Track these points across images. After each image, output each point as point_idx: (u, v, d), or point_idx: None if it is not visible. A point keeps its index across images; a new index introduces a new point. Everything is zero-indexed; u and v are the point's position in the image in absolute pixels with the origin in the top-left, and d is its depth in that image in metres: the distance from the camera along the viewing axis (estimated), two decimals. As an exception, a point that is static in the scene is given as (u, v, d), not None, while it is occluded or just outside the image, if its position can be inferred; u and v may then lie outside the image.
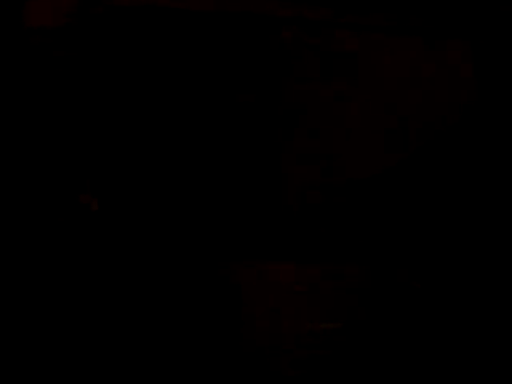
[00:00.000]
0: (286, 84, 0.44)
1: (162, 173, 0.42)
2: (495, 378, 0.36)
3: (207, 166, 0.43)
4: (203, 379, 0.37)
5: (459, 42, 0.44)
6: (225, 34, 0.41)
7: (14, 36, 0.38)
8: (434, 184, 0.43)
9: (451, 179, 0.43)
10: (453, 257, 0.39)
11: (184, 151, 0.42)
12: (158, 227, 0.40)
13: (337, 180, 0.42)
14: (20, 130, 0.37)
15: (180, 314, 0.37)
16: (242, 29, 0.42)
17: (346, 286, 0.40)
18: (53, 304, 0.36)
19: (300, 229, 0.40)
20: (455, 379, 0.37)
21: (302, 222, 0.40)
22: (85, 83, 0.39)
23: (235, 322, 0.38)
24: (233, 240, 0.40)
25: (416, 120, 0.44)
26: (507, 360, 0.36)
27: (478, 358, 0.37)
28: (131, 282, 0.38)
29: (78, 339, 0.36)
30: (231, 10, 0.42)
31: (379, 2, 0.44)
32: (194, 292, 0.38)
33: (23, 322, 0.36)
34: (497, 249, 0.38)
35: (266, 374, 0.37)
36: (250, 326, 0.38)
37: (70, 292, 0.36)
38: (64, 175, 0.37)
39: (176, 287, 0.38)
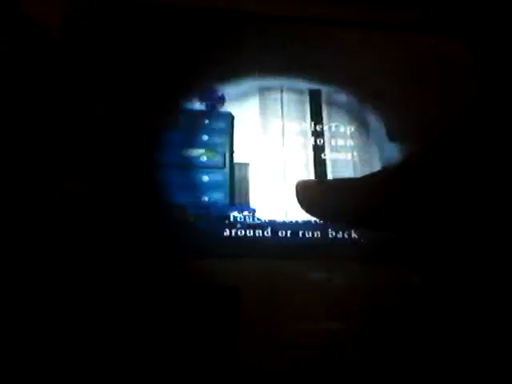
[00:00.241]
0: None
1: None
2: (495, 378, 0.36)
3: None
4: (202, 379, 0.36)
5: (459, 40, 0.45)
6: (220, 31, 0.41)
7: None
8: (433, 183, 0.43)
9: (451, 178, 0.43)
10: (453, 256, 0.39)
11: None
12: (151, 218, 0.39)
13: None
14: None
15: (178, 314, 0.37)
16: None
17: (347, 285, 0.40)
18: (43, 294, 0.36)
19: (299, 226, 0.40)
20: (455, 379, 0.36)
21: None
22: (80, 78, 0.39)
23: (234, 321, 0.37)
24: (233, 240, 0.40)
25: (415, 119, 0.44)
26: (507, 360, 0.36)
27: (478, 358, 0.37)
28: (126, 276, 0.37)
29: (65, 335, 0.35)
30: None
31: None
32: (192, 291, 0.37)
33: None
34: (497, 249, 0.38)
35: (265, 374, 0.37)
36: (249, 326, 0.38)
37: (61, 286, 0.36)
38: (50, 161, 0.37)
39: (173, 285, 0.37)
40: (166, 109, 0.41)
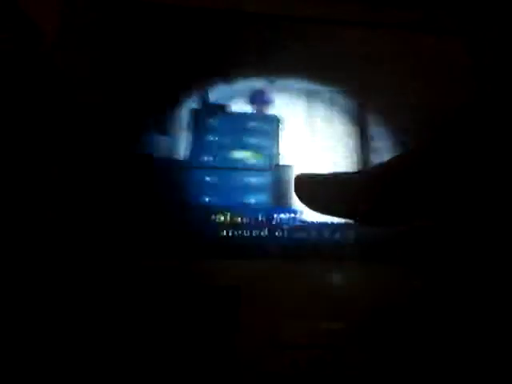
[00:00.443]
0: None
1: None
2: (495, 378, 0.36)
3: None
4: (202, 379, 0.36)
5: (459, 40, 0.44)
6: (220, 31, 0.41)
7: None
8: (432, 181, 0.42)
9: (450, 176, 0.42)
10: (452, 256, 0.39)
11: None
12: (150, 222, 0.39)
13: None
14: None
15: (178, 314, 0.37)
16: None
17: (347, 286, 0.39)
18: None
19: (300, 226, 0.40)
20: (455, 379, 0.36)
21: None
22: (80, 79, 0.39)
23: (234, 322, 0.37)
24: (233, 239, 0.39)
25: (414, 118, 0.43)
26: (507, 360, 0.36)
27: (478, 358, 0.37)
28: (127, 276, 0.37)
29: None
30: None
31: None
32: (192, 291, 0.37)
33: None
34: (497, 248, 0.38)
35: (265, 375, 0.37)
36: (249, 326, 0.37)
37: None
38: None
39: (173, 286, 0.37)
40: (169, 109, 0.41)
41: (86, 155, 0.38)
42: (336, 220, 0.40)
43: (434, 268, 0.39)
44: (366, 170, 0.26)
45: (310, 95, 0.43)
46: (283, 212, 0.41)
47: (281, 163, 0.42)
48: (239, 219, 0.40)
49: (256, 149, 0.42)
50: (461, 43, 0.44)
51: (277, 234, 0.40)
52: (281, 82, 0.43)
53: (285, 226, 0.40)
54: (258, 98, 0.43)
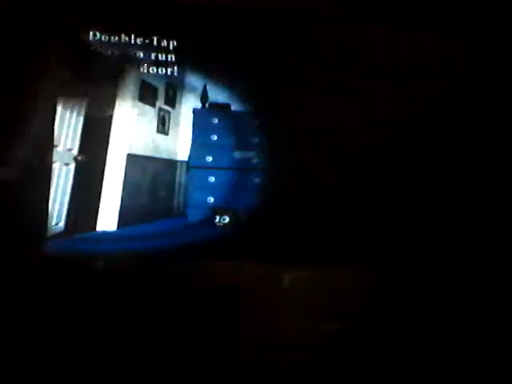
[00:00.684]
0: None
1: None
2: (495, 378, 0.36)
3: None
4: (202, 380, 0.36)
5: (459, 39, 0.44)
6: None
7: None
8: (431, 180, 0.43)
9: (449, 174, 0.43)
10: (452, 256, 0.39)
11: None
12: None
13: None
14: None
15: (177, 315, 0.37)
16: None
17: (346, 286, 0.40)
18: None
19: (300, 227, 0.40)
20: (455, 379, 0.37)
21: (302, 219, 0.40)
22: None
23: (234, 322, 0.37)
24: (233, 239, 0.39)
25: (413, 116, 0.43)
26: (507, 360, 0.36)
27: (478, 358, 0.37)
28: (128, 276, 0.37)
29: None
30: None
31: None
32: (192, 292, 0.37)
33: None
34: (497, 248, 0.38)
35: (265, 375, 0.37)
36: (249, 326, 0.37)
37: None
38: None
39: (173, 286, 0.37)
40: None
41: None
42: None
43: (434, 268, 0.39)
44: None
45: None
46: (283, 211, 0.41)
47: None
48: (240, 219, 0.40)
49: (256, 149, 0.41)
50: (461, 43, 0.44)
51: (277, 234, 0.40)
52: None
53: (285, 226, 0.40)
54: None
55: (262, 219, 0.40)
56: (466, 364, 0.37)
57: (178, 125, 0.41)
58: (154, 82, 0.41)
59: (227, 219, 0.40)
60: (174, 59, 0.41)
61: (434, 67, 0.44)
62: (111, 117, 0.40)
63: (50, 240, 0.37)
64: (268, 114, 0.42)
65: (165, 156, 0.41)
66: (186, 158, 0.41)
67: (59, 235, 0.38)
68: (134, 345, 0.35)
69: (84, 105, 0.40)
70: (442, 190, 0.41)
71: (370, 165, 0.42)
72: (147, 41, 0.40)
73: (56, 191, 0.38)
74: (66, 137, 0.40)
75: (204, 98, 0.42)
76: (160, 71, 0.41)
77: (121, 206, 0.39)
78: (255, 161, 0.41)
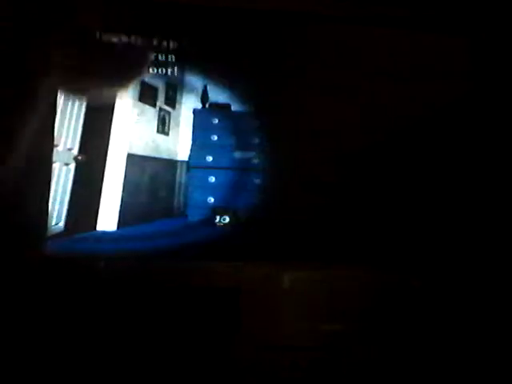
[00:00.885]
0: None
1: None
2: (495, 378, 0.36)
3: None
4: (202, 380, 0.36)
5: (459, 39, 0.44)
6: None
7: None
8: (432, 180, 0.43)
9: (449, 174, 0.43)
10: (452, 256, 0.39)
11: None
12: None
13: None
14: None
15: (177, 315, 0.37)
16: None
17: (346, 286, 0.40)
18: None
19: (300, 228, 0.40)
20: (455, 379, 0.37)
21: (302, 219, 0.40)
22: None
23: (234, 322, 0.37)
24: (233, 239, 0.39)
25: (413, 116, 0.43)
26: (507, 360, 0.36)
27: (478, 358, 0.37)
28: (129, 275, 0.37)
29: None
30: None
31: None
32: (192, 292, 0.37)
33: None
34: (497, 248, 0.38)
35: (265, 376, 0.37)
36: (249, 327, 0.37)
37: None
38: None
39: (173, 287, 0.37)
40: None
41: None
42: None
43: (434, 268, 0.39)
44: None
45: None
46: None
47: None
48: (240, 219, 0.40)
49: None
50: (461, 43, 0.44)
51: (277, 234, 0.40)
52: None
53: (285, 227, 0.40)
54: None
55: (262, 219, 0.40)
56: (466, 364, 0.37)
57: (178, 125, 0.41)
58: (155, 82, 0.41)
59: (227, 219, 0.40)
60: (174, 60, 0.41)
61: (434, 67, 0.44)
62: (111, 117, 0.40)
63: (49, 240, 0.37)
64: (268, 114, 0.42)
65: (165, 156, 0.41)
66: (186, 158, 0.41)
67: (59, 235, 0.38)
68: (133, 345, 0.35)
69: (84, 104, 0.40)
70: (442, 189, 0.41)
71: (370, 165, 0.42)
72: (148, 41, 0.40)
73: (56, 191, 0.38)
74: (66, 137, 0.40)
75: (204, 98, 0.42)
76: (160, 71, 0.41)
77: (121, 205, 0.39)
78: (256, 161, 0.41)
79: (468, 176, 0.42)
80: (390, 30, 0.44)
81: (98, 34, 0.40)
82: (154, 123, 0.41)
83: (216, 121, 0.42)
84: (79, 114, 0.39)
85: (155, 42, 0.41)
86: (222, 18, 0.42)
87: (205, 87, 0.41)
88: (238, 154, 0.41)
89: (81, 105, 0.40)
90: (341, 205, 0.40)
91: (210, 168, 0.41)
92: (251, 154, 0.41)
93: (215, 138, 0.41)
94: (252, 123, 0.42)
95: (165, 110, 0.41)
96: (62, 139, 0.39)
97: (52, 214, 0.38)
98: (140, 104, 0.41)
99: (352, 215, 0.40)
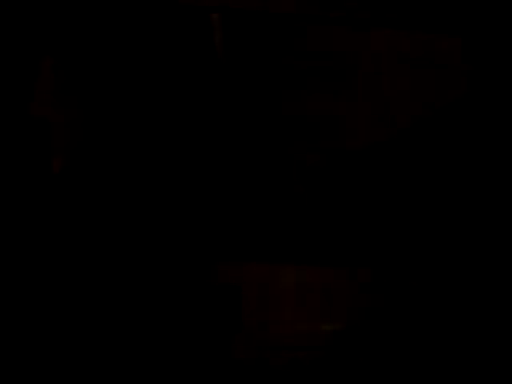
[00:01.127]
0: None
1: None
2: (495, 378, 0.36)
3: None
4: (201, 379, 0.36)
5: (456, 39, 0.44)
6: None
7: None
8: (432, 180, 0.43)
9: (450, 174, 0.43)
10: (452, 256, 0.39)
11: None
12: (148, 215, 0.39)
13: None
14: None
15: (178, 315, 0.37)
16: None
17: (346, 286, 0.40)
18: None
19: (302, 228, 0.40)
20: (455, 379, 0.37)
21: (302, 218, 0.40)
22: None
23: (235, 322, 0.37)
24: (233, 239, 0.39)
25: (413, 117, 0.43)
26: (507, 360, 0.36)
27: (478, 358, 0.37)
28: (129, 275, 0.37)
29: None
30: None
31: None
32: (192, 292, 0.37)
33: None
34: (497, 248, 0.38)
35: (265, 375, 0.37)
36: (249, 326, 0.37)
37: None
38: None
39: (173, 287, 0.37)
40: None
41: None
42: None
43: (434, 268, 0.39)
44: None
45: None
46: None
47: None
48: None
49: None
50: (461, 43, 0.44)
51: (277, 234, 0.40)
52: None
53: (285, 227, 0.40)
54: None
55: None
56: (466, 364, 0.37)
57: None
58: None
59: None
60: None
61: (434, 67, 0.44)
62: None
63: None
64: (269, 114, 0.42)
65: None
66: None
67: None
68: (134, 345, 0.35)
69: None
70: (442, 189, 0.41)
71: (370, 166, 0.42)
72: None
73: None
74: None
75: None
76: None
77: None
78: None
79: (468, 176, 0.42)
80: (389, 30, 0.43)
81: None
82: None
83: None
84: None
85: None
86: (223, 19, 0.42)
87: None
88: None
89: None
90: (341, 205, 0.40)
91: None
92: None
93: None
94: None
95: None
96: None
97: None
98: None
99: (352, 215, 0.40)
